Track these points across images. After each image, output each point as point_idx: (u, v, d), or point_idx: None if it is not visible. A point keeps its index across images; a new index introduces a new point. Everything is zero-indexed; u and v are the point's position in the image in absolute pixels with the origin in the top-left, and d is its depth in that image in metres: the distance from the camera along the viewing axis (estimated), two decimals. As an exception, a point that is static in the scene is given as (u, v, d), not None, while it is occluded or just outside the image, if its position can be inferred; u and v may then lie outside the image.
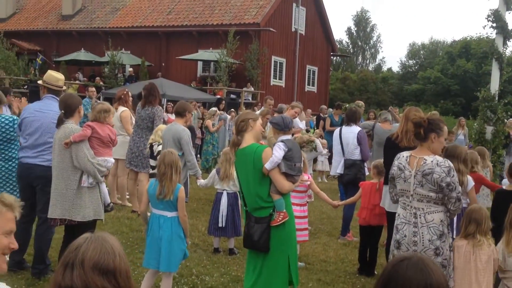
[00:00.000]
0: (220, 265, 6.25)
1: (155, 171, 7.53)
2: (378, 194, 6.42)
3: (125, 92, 8.52)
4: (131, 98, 8.58)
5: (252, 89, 24.34)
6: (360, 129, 7.64)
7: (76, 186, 5.09)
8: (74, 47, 26.53)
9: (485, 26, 10.66)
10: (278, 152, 4.43)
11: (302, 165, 4.69)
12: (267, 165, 4.38)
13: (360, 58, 60.56)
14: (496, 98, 10.81)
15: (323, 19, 30.55)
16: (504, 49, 10.72)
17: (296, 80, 28.38)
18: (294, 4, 27.62)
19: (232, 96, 23.10)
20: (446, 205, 4.19)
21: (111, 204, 5.39)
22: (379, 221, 6.52)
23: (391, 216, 5.41)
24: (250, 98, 24.52)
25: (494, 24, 10.70)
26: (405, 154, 4.40)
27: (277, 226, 4.47)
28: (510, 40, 10.72)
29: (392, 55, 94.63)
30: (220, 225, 6.54)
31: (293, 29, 27.78)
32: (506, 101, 10.84)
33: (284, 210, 4.47)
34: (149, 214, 5.08)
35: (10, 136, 5.74)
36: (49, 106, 5.60)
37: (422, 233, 4.16)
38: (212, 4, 26.69)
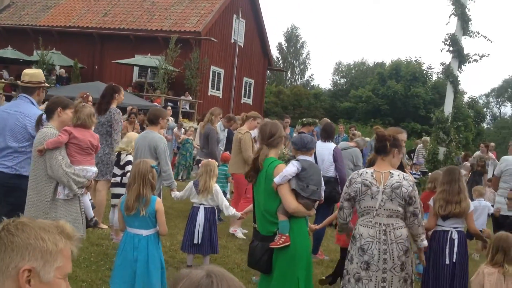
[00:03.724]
0: (197, 285, 5.80)
1: (116, 179, 7.05)
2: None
3: (85, 96, 7.86)
4: (90, 102, 7.91)
5: (190, 98, 23.87)
6: (336, 145, 7.48)
7: (51, 198, 4.52)
8: (0, 44, 24.87)
9: (442, 49, 10.98)
10: (290, 168, 4.19)
11: (322, 192, 4.42)
12: (276, 179, 4.17)
13: (289, 73, 61.44)
14: (449, 120, 11.11)
15: (261, 33, 30.66)
16: (459, 72, 11.07)
17: (233, 91, 28.20)
18: (235, 16, 27.51)
19: (170, 104, 22.52)
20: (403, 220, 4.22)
21: (94, 218, 4.84)
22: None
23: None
24: (188, 107, 24.04)
25: (451, 48, 11.03)
26: (368, 170, 4.32)
27: (281, 248, 4.20)
28: (465, 64, 11.09)
29: (319, 73, 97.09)
30: (195, 241, 6.10)
31: (232, 40, 27.64)
32: (460, 123, 11.18)
33: (287, 234, 4.19)
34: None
35: None
36: (17, 107, 5.01)
37: (392, 249, 4.11)
38: (151, 9, 26.02)
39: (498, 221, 6.94)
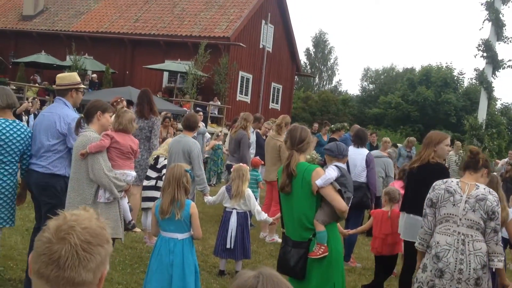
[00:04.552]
0: (231, 289, 5.84)
1: (151, 182, 7.13)
2: (390, 222, 6.22)
3: (119, 100, 8.00)
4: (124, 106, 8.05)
5: (219, 103, 24.01)
6: (369, 151, 7.45)
7: (92, 201, 4.63)
8: (33, 49, 25.44)
9: (476, 55, 10.85)
10: (331, 171, 4.18)
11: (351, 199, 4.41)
12: (318, 182, 4.09)
13: (317, 79, 61.30)
14: (483, 127, 10.95)
15: (289, 38, 30.71)
16: (493, 78, 10.92)
17: (261, 96, 28.28)
18: (263, 21, 27.62)
19: (199, 109, 22.69)
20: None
21: (133, 221, 4.93)
22: (392, 251, 6.32)
23: (408, 245, 5.23)
24: (216, 112, 24.19)
25: (485, 54, 10.88)
26: (454, 179, 4.30)
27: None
28: (499, 70, 10.93)
29: (347, 78, 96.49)
30: (228, 246, 6.15)
31: (261, 46, 27.74)
32: (494, 131, 10.99)
33: (326, 244, 4.17)
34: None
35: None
36: (51, 108, 5.22)
37: (469, 261, 4.00)
38: (181, 15, 26.31)
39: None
